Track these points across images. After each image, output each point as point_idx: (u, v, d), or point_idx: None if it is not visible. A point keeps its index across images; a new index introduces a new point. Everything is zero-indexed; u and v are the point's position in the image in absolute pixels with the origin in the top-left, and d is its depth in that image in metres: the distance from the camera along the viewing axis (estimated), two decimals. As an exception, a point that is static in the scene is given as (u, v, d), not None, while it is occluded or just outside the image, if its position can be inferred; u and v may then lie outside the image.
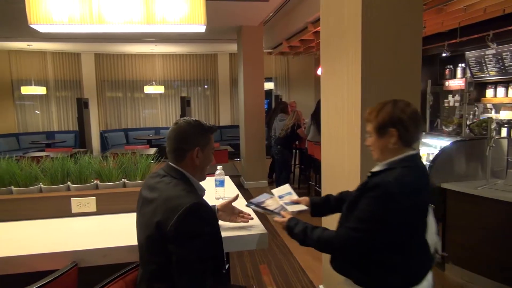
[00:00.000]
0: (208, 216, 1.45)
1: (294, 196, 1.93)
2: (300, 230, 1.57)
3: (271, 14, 6.64)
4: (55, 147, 8.73)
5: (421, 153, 4.03)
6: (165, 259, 1.42)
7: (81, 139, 9.13)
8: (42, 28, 2.12)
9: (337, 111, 2.65)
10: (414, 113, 1.46)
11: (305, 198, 1.87)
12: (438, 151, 3.65)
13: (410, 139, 1.46)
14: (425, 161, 3.92)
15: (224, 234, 1.75)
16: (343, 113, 2.55)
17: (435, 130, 4.69)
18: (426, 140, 4.22)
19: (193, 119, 1.57)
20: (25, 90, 9.00)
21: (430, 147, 4.15)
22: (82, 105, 9.05)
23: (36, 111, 10.25)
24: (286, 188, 2.04)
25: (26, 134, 9.86)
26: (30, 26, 2.06)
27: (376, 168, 1.51)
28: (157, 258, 1.45)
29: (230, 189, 2.64)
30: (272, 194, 1.97)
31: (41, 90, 9.20)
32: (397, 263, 1.45)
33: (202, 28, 2.29)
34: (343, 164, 2.56)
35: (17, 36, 7.73)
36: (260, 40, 7.06)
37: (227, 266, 2.80)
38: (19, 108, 10.07)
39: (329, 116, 2.80)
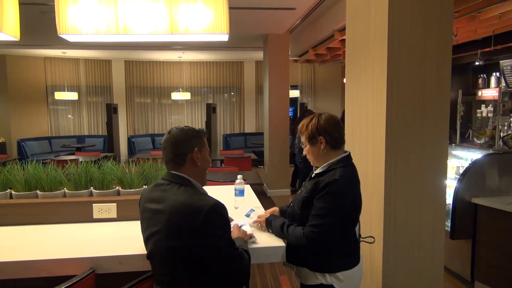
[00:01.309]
0: (227, 214, 1.51)
1: (260, 211, 2.16)
2: (279, 225, 1.82)
3: (297, 22, 6.62)
4: (84, 151, 9.00)
5: (450, 166, 3.88)
6: (181, 268, 1.44)
7: (109, 143, 9.38)
8: (70, 38, 2.18)
9: (361, 121, 2.59)
10: (336, 123, 1.78)
11: (275, 209, 2.08)
12: (468, 164, 3.50)
13: (336, 143, 1.76)
14: (454, 174, 3.76)
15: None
16: (368, 123, 2.48)
17: (466, 142, 4.51)
18: (456, 152, 4.06)
19: (182, 126, 1.64)
20: (59, 95, 9.35)
21: (460, 160, 3.99)
22: (111, 110, 9.31)
23: (69, 116, 10.64)
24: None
25: (58, 138, 10.23)
26: (59, 35, 2.13)
27: (318, 170, 1.77)
28: (172, 269, 1.46)
29: (250, 199, 2.62)
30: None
31: (73, 96, 9.53)
32: (346, 248, 1.75)
33: (225, 37, 2.29)
34: (367, 174, 2.49)
35: (52, 44, 8.06)
36: (286, 48, 7.05)
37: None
38: (52, 112, 10.48)
39: (353, 126, 2.74)
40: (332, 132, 1.74)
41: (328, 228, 1.65)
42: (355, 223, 1.79)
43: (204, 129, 1.70)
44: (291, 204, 1.92)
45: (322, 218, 1.65)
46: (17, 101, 9.79)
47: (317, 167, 1.82)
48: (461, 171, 3.56)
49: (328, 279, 1.71)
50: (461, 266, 3.43)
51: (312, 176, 1.81)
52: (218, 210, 1.45)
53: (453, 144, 4.13)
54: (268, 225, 1.92)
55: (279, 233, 1.84)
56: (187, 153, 1.57)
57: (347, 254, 1.77)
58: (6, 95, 9.61)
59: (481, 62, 5.86)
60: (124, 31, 2.13)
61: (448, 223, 3.36)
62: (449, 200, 3.44)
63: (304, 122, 1.82)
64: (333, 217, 1.65)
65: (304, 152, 1.83)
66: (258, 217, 2.01)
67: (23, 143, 9.33)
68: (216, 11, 2.17)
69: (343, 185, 1.66)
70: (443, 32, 2.28)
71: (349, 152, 1.81)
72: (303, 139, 1.82)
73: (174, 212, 1.44)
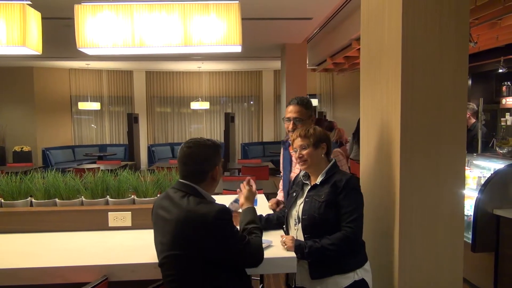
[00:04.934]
0: (231, 217, 1.55)
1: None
2: (312, 244, 1.79)
3: (314, 32, 6.64)
4: (106, 159, 9.20)
5: (471, 176, 3.77)
6: (188, 276, 1.48)
7: (130, 152, 9.58)
8: (89, 51, 2.27)
9: (375, 131, 2.57)
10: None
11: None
12: (491, 174, 3.39)
13: (330, 152, 1.99)
14: (476, 185, 3.66)
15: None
16: (382, 133, 2.46)
17: (490, 151, 4.37)
18: (478, 162, 3.94)
19: (203, 139, 1.63)
20: (82, 105, 9.65)
21: (482, 170, 3.88)
22: (132, 120, 9.53)
23: (93, 125, 10.94)
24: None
25: (81, 147, 10.53)
26: (78, 49, 2.21)
27: (320, 179, 1.91)
28: (180, 275, 1.49)
29: (263, 208, 2.62)
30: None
31: (96, 106, 9.81)
32: (362, 241, 1.92)
33: (238, 48, 2.33)
34: (381, 184, 2.46)
35: (76, 56, 8.35)
36: (303, 57, 7.07)
37: (260, 287, 2.79)
38: (76, 122, 10.81)
39: (368, 136, 2.72)
40: (329, 141, 1.98)
41: (361, 221, 1.83)
42: None
43: (218, 141, 1.73)
44: (304, 216, 1.88)
45: (355, 212, 1.80)
46: (42, 111, 10.14)
47: (305, 177, 2.00)
48: (482, 181, 3.46)
49: (359, 273, 1.83)
50: (484, 281, 3.31)
51: (318, 183, 1.91)
52: (223, 216, 1.49)
53: (475, 154, 4.02)
54: (299, 249, 1.80)
55: (315, 251, 1.77)
56: (210, 171, 1.60)
57: (363, 246, 1.94)
58: (32, 106, 9.98)
59: (504, 69, 5.72)
60: (140, 44, 2.20)
61: (470, 236, 3.26)
62: (471, 211, 3.35)
63: (309, 128, 1.97)
64: (361, 209, 1.85)
65: (305, 152, 1.91)
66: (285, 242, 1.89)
67: (47, 152, 9.62)
68: (229, 23, 2.21)
69: (358, 181, 1.92)
70: (459, 40, 2.24)
71: (335, 160, 2.03)
72: (306, 142, 1.91)
73: (179, 222, 1.48)
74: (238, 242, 1.53)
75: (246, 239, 1.57)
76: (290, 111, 2.39)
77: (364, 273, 1.85)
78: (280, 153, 2.86)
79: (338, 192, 1.82)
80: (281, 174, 2.74)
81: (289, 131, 2.41)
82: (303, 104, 2.39)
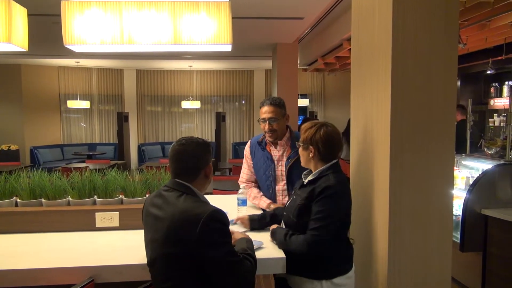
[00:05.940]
0: (227, 222, 1.52)
1: (243, 211, 2.31)
2: (282, 235, 1.83)
3: (306, 31, 6.64)
4: (95, 158, 9.10)
5: (460, 176, 3.81)
6: (180, 275, 1.44)
7: (120, 151, 9.48)
8: (76, 48, 2.23)
9: (365, 131, 2.57)
10: (330, 141, 1.86)
11: (245, 216, 2.16)
12: (479, 175, 3.43)
13: (324, 157, 1.86)
14: (464, 185, 3.69)
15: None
16: (372, 134, 2.46)
17: (478, 151, 4.42)
18: (466, 162, 3.98)
19: (195, 137, 1.64)
20: (71, 104, 9.51)
21: (470, 170, 3.92)
22: (122, 118, 9.43)
23: (82, 124, 10.80)
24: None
25: (70, 146, 10.37)
26: (65, 46, 2.17)
27: (310, 177, 1.87)
28: (172, 274, 1.46)
29: (252, 209, 2.61)
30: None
31: (85, 104, 9.68)
32: (341, 252, 1.83)
33: (228, 47, 2.31)
34: (372, 185, 2.46)
35: (65, 54, 8.23)
36: (294, 57, 7.07)
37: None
38: (65, 120, 10.65)
39: (358, 137, 2.72)
40: (322, 147, 1.85)
41: (327, 231, 1.71)
42: (348, 227, 1.90)
43: (209, 140, 1.72)
44: (285, 213, 1.95)
45: (321, 221, 1.71)
46: (31, 109, 9.98)
47: (305, 175, 1.95)
48: (471, 181, 3.49)
49: (325, 285, 1.76)
50: (472, 280, 3.34)
51: (305, 183, 1.88)
52: (218, 217, 1.46)
53: (463, 154, 4.06)
54: (272, 235, 1.94)
55: (282, 243, 1.84)
56: (202, 168, 1.60)
57: (342, 259, 1.84)
58: (20, 104, 9.81)
59: (492, 71, 5.79)
60: (128, 42, 2.17)
61: (458, 235, 3.29)
62: (459, 211, 3.37)
63: (306, 125, 1.94)
64: (331, 219, 1.72)
65: (299, 152, 1.97)
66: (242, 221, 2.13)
67: (35, 151, 9.47)
68: (220, 22, 2.19)
69: (339, 189, 1.76)
70: (448, 41, 2.25)
71: (338, 160, 1.94)
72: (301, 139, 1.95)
73: (173, 220, 1.45)
74: (228, 253, 1.47)
75: (239, 256, 1.51)
76: (265, 111, 2.42)
77: (332, 286, 1.77)
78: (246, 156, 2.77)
79: (313, 200, 1.77)
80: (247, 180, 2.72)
81: (265, 132, 2.45)
82: (276, 104, 2.42)
